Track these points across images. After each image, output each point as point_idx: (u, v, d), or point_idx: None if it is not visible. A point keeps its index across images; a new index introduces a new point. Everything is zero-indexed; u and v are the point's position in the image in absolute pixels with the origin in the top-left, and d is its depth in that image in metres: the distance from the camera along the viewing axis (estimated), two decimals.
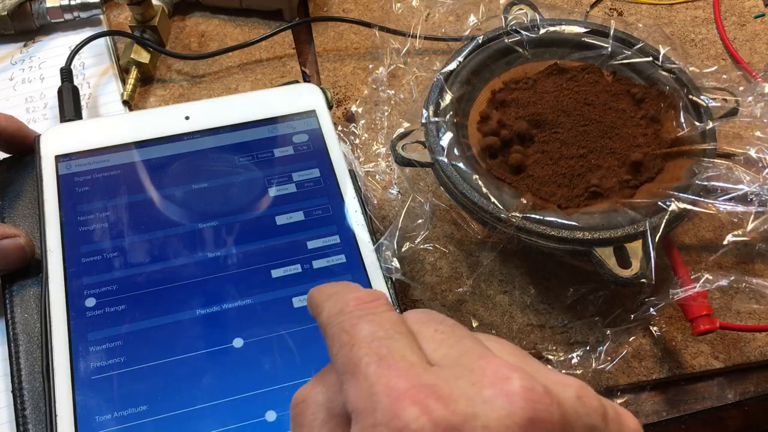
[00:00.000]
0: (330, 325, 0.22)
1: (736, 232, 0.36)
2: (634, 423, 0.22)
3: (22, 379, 0.34)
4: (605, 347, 0.38)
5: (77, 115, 0.45)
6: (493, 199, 0.36)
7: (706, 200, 0.36)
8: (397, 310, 0.35)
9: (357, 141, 0.46)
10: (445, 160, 0.38)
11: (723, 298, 0.41)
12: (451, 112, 0.40)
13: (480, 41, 0.43)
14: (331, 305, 0.22)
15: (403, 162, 0.40)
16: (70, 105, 0.45)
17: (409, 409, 0.18)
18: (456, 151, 0.38)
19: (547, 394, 0.19)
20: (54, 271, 0.36)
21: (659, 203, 0.36)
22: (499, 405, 0.18)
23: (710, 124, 0.39)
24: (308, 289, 0.35)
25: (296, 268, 0.37)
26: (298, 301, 0.36)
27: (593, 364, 0.37)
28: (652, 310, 0.36)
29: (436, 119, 0.40)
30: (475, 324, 0.40)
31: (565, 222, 0.36)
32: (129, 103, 0.49)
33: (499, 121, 0.40)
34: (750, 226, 0.36)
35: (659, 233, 0.35)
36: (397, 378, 0.19)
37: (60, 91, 0.46)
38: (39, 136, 0.40)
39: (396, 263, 0.37)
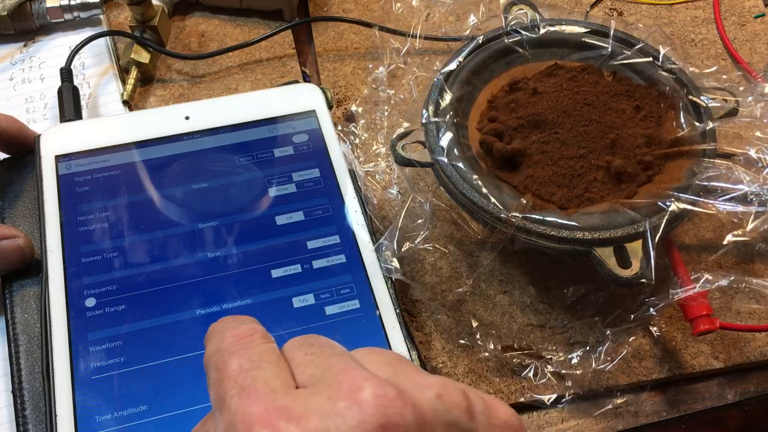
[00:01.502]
0: (207, 365, 0.22)
1: (736, 232, 0.36)
2: (506, 413, 0.22)
3: (22, 379, 0.34)
4: (605, 347, 0.38)
5: (77, 115, 0.45)
6: (493, 199, 0.36)
7: (706, 200, 0.36)
8: (397, 311, 0.36)
9: (357, 141, 0.46)
10: (445, 160, 0.38)
11: (723, 298, 0.41)
12: (451, 112, 0.40)
13: (480, 41, 0.43)
14: (212, 344, 0.23)
15: (403, 162, 0.40)
16: (70, 105, 0.45)
17: None
18: (456, 151, 0.38)
19: (399, 398, 0.19)
20: (54, 271, 0.36)
21: (659, 203, 0.36)
22: (350, 415, 0.19)
23: (710, 124, 0.39)
24: (308, 289, 0.36)
25: (296, 268, 0.37)
26: (298, 301, 0.36)
27: (593, 364, 0.37)
28: (652, 310, 0.36)
29: (436, 119, 0.40)
30: (475, 324, 0.40)
31: (565, 222, 0.36)
32: (129, 103, 0.49)
33: (499, 122, 0.40)
34: (750, 226, 0.36)
35: (659, 233, 0.35)
36: (254, 405, 0.20)
37: (60, 91, 0.46)
38: (39, 136, 0.40)
39: (396, 263, 0.37)
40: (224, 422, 0.20)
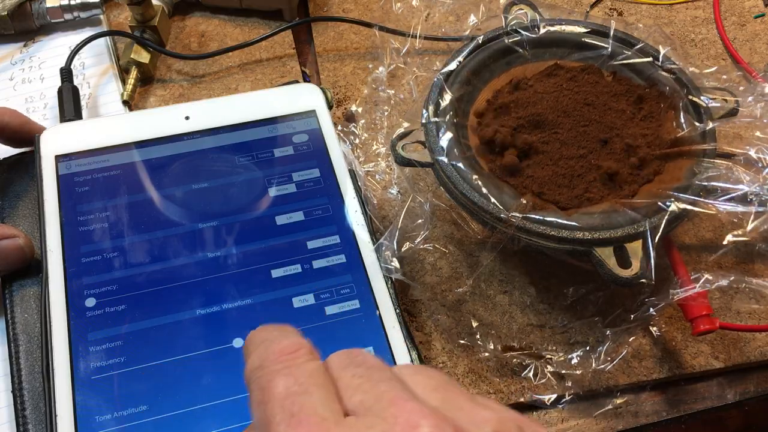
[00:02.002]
0: (250, 381, 0.22)
1: (736, 232, 0.36)
2: None
3: (22, 379, 0.34)
4: (605, 347, 0.38)
5: (77, 115, 0.45)
6: (493, 199, 0.36)
7: (706, 200, 0.36)
8: (397, 311, 0.36)
9: (357, 141, 0.46)
10: (445, 160, 0.38)
11: (723, 298, 0.41)
12: (451, 112, 0.40)
13: (480, 41, 0.43)
14: (254, 358, 0.22)
15: (403, 162, 0.40)
16: (70, 105, 0.45)
17: None
18: (456, 151, 0.38)
19: None
20: (54, 271, 0.36)
21: (659, 203, 0.36)
22: None
23: (710, 124, 0.39)
24: (308, 289, 0.36)
25: (296, 268, 0.37)
26: (298, 301, 0.36)
27: (593, 364, 0.37)
28: (652, 310, 0.36)
29: (436, 119, 0.40)
30: (475, 324, 0.40)
31: (565, 222, 0.36)
32: (129, 103, 0.49)
33: (499, 122, 0.40)
34: (750, 226, 0.36)
35: (659, 233, 0.35)
36: None
37: (60, 91, 0.46)
38: (39, 136, 0.40)
39: (396, 263, 0.37)
40: None
